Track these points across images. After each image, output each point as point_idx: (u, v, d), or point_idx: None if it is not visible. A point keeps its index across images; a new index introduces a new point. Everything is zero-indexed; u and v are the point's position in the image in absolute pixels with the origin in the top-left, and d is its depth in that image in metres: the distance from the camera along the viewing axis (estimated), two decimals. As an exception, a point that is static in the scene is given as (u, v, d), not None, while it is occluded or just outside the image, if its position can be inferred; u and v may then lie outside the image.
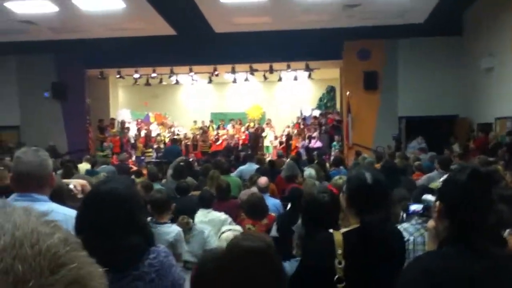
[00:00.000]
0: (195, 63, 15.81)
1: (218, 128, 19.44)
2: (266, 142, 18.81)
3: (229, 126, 19.64)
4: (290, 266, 2.67)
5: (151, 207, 3.75)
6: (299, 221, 2.74)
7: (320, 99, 20.19)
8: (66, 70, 15.52)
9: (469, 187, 1.58)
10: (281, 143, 18.44)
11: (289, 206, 5.23)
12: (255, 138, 18.72)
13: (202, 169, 8.03)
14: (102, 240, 1.70)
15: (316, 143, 16.34)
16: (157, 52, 15.07)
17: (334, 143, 15.71)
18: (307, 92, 20.37)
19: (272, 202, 5.44)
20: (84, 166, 9.27)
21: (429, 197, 1.96)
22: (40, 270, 0.53)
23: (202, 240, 3.91)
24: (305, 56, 15.01)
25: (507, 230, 2.07)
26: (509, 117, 11.47)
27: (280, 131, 19.30)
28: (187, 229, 3.87)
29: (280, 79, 17.37)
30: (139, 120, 20.01)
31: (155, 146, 18.17)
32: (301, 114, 19.71)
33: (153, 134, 19.39)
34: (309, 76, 16.58)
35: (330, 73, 17.21)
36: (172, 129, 20.22)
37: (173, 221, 3.88)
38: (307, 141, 16.92)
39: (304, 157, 12.68)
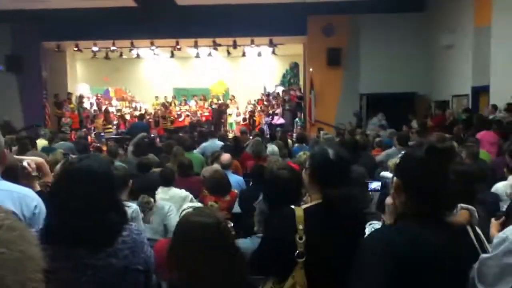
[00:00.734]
0: (156, 37, 15.41)
1: (181, 104, 19.18)
2: (230, 119, 18.75)
3: (192, 102, 19.42)
4: (251, 242, 2.68)
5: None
6: (261, 198, 2.75)
7: (284, 76, 20.21)
8: (22, 41, 14.79)
9: (426, 162, 1.61)
10: (244, 119, 18.43)
11: (251, 183, 5.26)
12: (219, 114, 18.62)
13: (165, 146, 7.93)
14: (81, 218, 1.71)
15: (279, 120, 16.42)
16: (117, 24, 14.59)
17: (297, 119, 15.82)
18: (271, 68, 20.32)
19: (235, 179, 5.44)
20: (41, 143, 8.97)
21: (387, 173, 1.99)
22: None
23: (163, 216, 3.88)
24: (269, 31, 14.88)
25: (458, 206, 2.13)
26: (465, 95, 11.83)
27: (244, 107, 19.26)
28: (148, 208, 3.82)
29: (244, 55, 17.23)
30: (99, 95, 19.49)
31: (115, 122, 17.78)
32: (265, 90, 19.70)
33: (113, 109, 18.95)
34: (273, 52, 16.51)
35: (294, 49, 17.18)
36: (134, 105, 19.82)
37: (134, 199, 3.81)
38: (270, 117, 16.97)
39: (267, 133, 12.74)
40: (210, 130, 15.10)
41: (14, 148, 6.92)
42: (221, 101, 19.41)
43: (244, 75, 20.25)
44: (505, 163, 4.89)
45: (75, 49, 16.06)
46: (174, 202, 4.28)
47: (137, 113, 17.27)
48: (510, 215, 2.35)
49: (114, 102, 19.74)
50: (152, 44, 15.84)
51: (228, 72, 20.53)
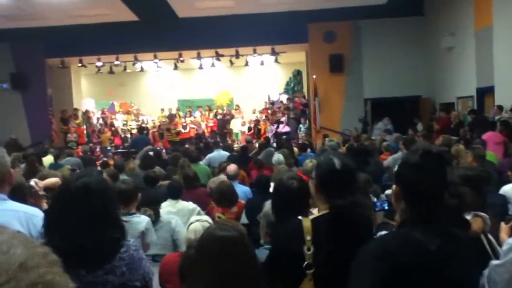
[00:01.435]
0: (159, 50, 15.50)
1: (186, 115, 19.23)
2: (235, 128, 18.76)
3: (196, 113, 19.47)
4: (260, 253, 2.66)
5: (117, 198, 3.67)
6: (264, 210, 2.73)
7: (287, 83, 20.22)
8: (25, 59, 14.97)
9: (421, 167, 1.60)
10: (249, 128, 18.44)
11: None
12: (224, 124, 18.65)
13: (171, 158, 7.95)
14: (78, 236, 1.71)
15: (284, 128, 16.41)
16: (120, 39, 14.72)
17: (300, 125, 15.82)
18: (275, 77, 20.35)
19: (242, 189, 5.43)
20: (48, 159, 9.02)
21: (391, 191, 1.98)
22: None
23: (170, 230, 3.87)
24: (271, 40, 14.95)
25: (471, 213, 2.11)
26: (470, 96, 11.78)
27: (249, 116, 19.28)
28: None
29: (246, 64, 17.28)
30: (104, 110, 19.59)
31: (122, 136, 17.86)
32: (269, 99, 19.73)
33: (119, 123, 19.04)
34: (276, 60, 16.55)
35: (297, 56, 17.22)
36: (140, 118, 19.90)
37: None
38: (275, 126, 16.97)
39: (273, 142, 12.72)
40: (215, 140, 15.12)
41: (22, 166, 6.96)
42: (225, 111, 19.45)
43: (247, 84, 20.29)
44: (510, 165, 4.86)
45: (79, 64, 16.14)
46: (182, 215, 4.27)
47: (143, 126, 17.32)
48: (520, 219, 2.32)
49: (119, 116, 19.82)
50: (155, 57, 15.94)
51: (232, 82, 20.58)
